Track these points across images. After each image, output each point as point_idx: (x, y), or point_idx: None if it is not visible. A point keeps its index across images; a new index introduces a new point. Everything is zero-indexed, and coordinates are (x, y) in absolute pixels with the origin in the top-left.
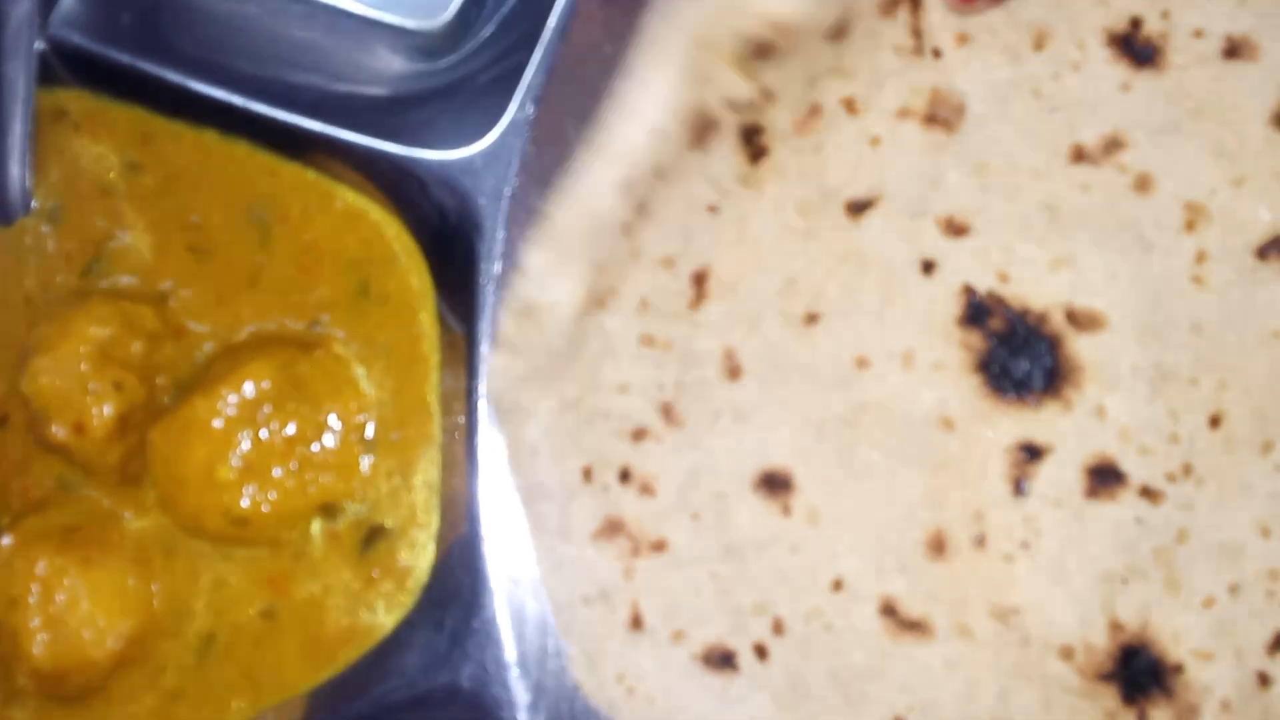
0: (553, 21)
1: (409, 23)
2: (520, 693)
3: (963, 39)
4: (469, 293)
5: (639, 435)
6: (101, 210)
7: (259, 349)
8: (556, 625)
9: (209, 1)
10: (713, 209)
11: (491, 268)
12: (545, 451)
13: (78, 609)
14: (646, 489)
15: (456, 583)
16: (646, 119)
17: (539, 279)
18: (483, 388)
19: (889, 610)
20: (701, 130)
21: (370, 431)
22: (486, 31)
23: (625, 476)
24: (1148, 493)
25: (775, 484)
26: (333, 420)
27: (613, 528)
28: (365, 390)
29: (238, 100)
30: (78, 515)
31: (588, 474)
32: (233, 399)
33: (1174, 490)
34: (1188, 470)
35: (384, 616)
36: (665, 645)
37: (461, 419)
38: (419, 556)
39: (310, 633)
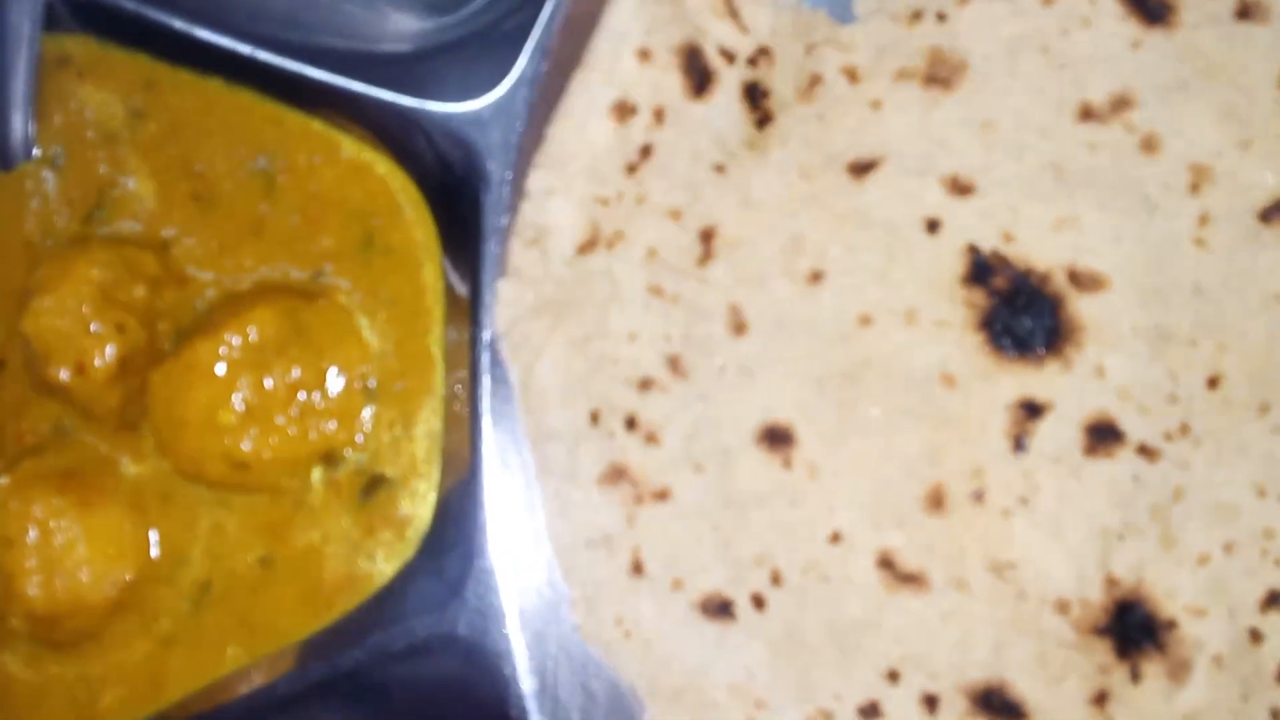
0: None
1: None
2: (518, 642)
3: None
4: (474, 246)
5: (646, 385)
6: (105, 157)
7: (262, 296)
8: (559, 567)
9: None
10: (719, 169)
11: (498, 220)
12: (554, 392)
13: (74, 552)
14: (652, 438)
15: (456, 532)
16: (633, 42)
17: (541, 200)
18: (486, 336)
19: (886, 563)
20: (699, 77)
21: (373, 382)
22: None
23: (631, 424)
24: (1145, 451)
25: (777, 438)
26: (335, 369)
27: (617, 474)
28: (368, 340)
29: (244, 48)
30: (75, 459)
31: (595, 418)
32: (235, 343)
33: (1171, 449)
34: (1185, 430)
35: (383, 565)
36: (664, 592)
37: (464, 372)
38: (419, 506)
39: (308, 581)
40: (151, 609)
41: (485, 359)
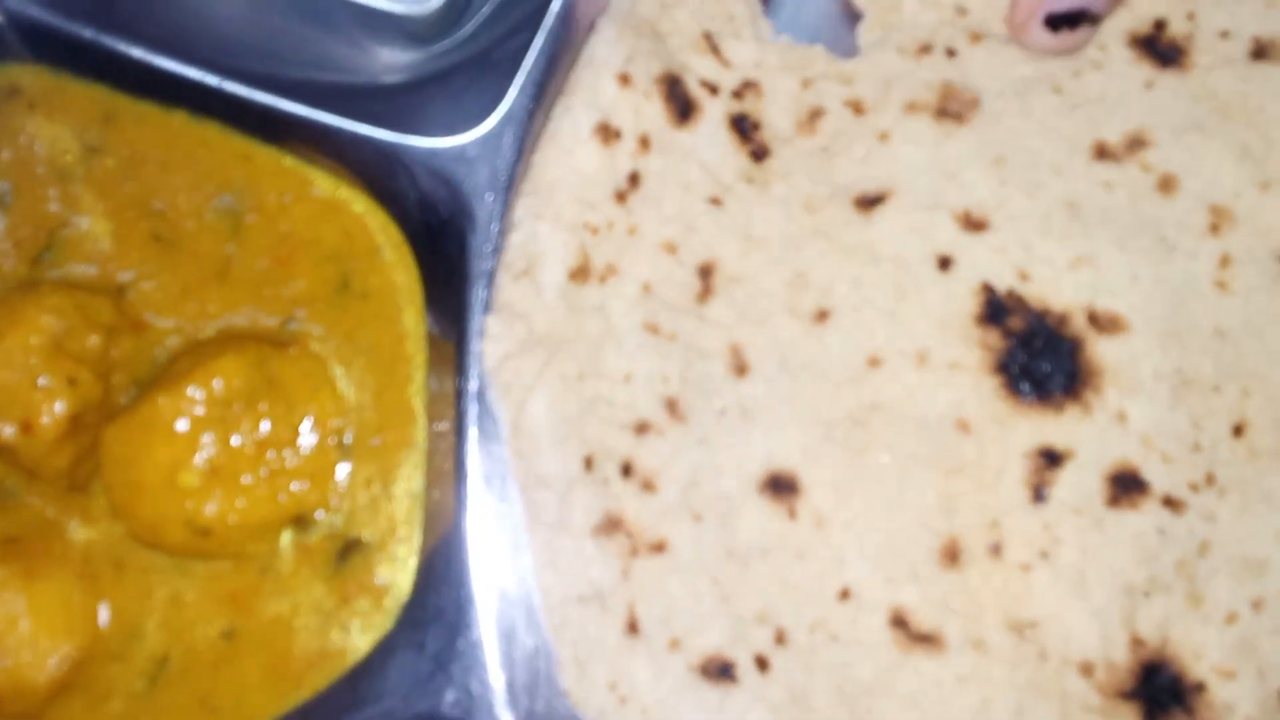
0: (555, 6)
1: (398, 8)
2: None
3: (976, 37)
4: (459, 289)
5: (642, 428)
6: (57, 194)
7: (228, 345)
8: (547, 624)
9: None
10: (715, 201)
11: (484, 263)
12: (546, 435)
13: (16, 628)
14: (648, 485)
15: (440, 601)
16: (613, 68)
17: (529, 227)
18: (473, 386)
19: (899, 621)
20: (681, 106)
21: (348, 436)
22: (480, 17)
23: (627, 471)
24: (1170, 502)
25: (781, 486)
26: (308, 424)
27: (612, 524)
28: (344, 392)
29: (211, 80)
30: (19, 524)
31: (589, 463)
32: (198, 396)
33: (1197, 500)
34: (1210, 480)
35: (359, 638)
36: (661, 653)
37: (448, 424)
38: (399, 572)
39: (276, 655)
40: (102, 689)
41: (472, 410)
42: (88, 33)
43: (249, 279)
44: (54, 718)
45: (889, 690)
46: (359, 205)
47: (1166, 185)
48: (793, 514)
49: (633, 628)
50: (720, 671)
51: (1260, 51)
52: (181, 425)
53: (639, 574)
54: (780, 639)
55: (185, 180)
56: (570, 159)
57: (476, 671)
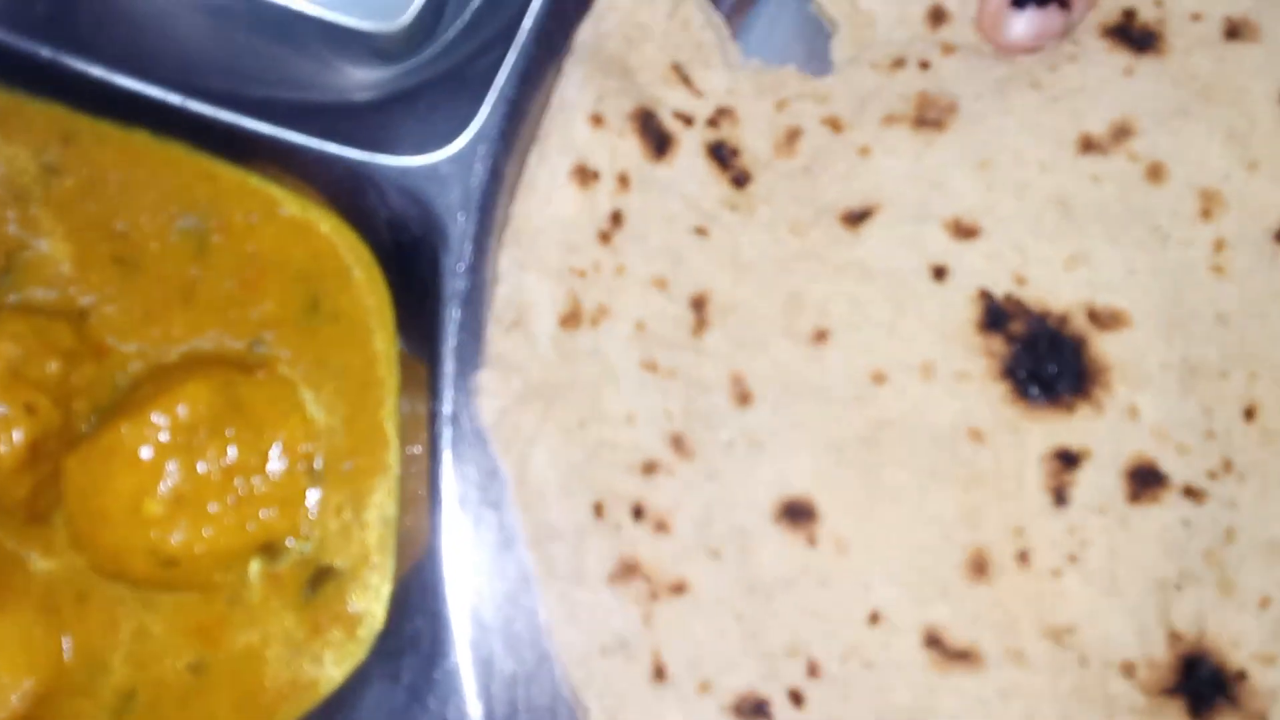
0: (528, 23)
1: (366, 25)
2: None
3: (949, 49)
4: (431, 310)
5: (650, 469)
6: (14, 217)
7: (193, 369)
8: (572, 679)
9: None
10: (700, 231)
11: (456, 284)
12: (552, 486)
13: None
14: (662, 526)
15: (415, 629)
16: (584, 109)
17: (514, 278)
18: (446, 409)
19: (933, 640)
20: (657, 140)
21: (319, 462)
22: (450, 34)
23: (638, 513)
24: (1191, 492)
25: (797, 514)
26: (276, 449)
27: (628, 570)
28: (313, 416)
29: (175, 99)
30: None
31: (599, 510)
32: (163, 423)
33: (1217, 488)
34: (1228, 466)
35: (332, 669)
36: (692, 697)
37: (420, 448)
38: (372, 601)
39: (246, 688)
40: None
41: (446, 433)
42: (45, 51)
43: (215, 301)
44: None
45: (930, 713)
46: (327, 225)
47: (1155, 173)
48: (812, 541)
49: (660, 674)
50: (754, 710)
51: (1233, 31)
52: (145, 453)
53: (661, 618)
54: (813, 671)
55: (148, 201)
56: (549, 205)
57: (454, 701)
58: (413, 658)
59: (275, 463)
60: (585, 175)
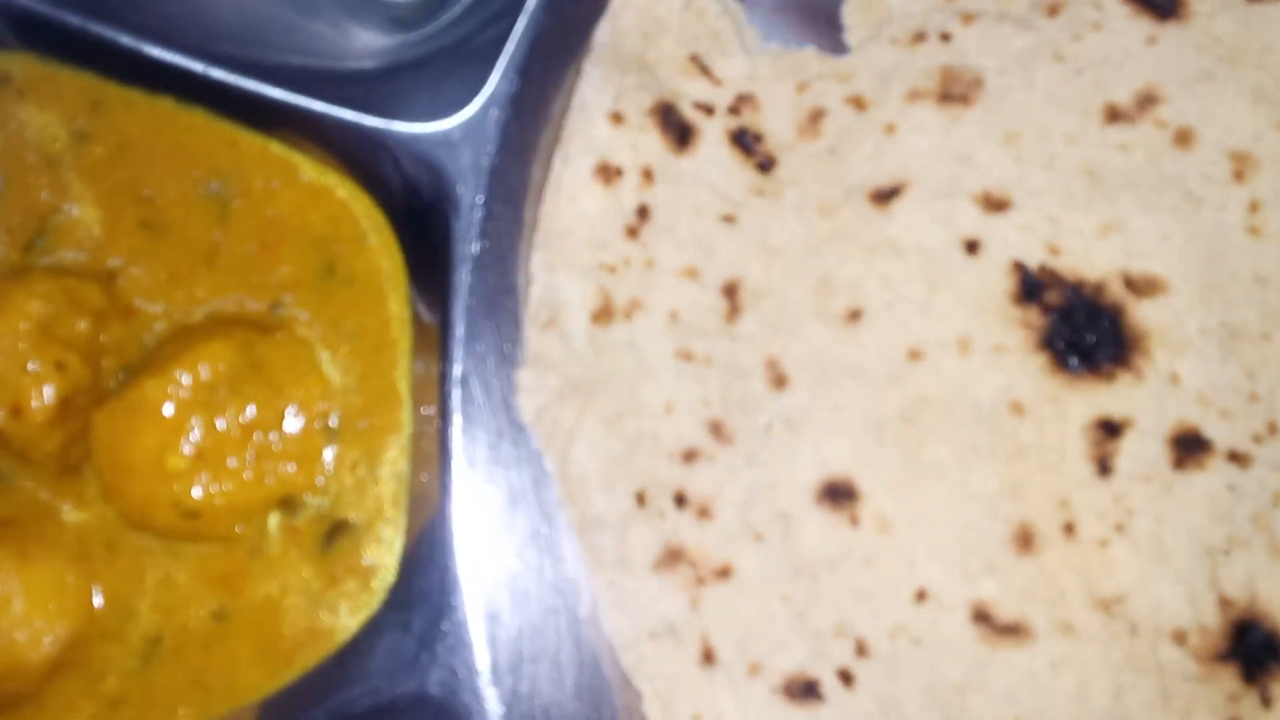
0: None
1: None
2: (492, 701)
3: (969, 18)
4: (443, 274)
5: (690, 456)
6: (46, 182)
7: (215, 330)
8: (624, 664)
9: None
10: (728, 219)
11: (468, 247)
12: (595, 478)
13: (10, 609)
14: (704, 512)
15: (426, 582)
16: (604, 108)
17: (546, 278)
18: (457, 370)
19: (982, 616)
20: (679, 132)
21: (334, 420)
22: (463, 3)
23: (681, 501)
24: (1236, 457)
25: (839, 494)
26: (293, 408)
27: (673, 556)
28: (330, 376)
29: (197, 67)
30: (12, 507)
31: (641, 499)
32: (186, 381)
33: (1261, 452)
34: (1273, 429)
35: (346, 618)
36: (742, 679)
37: (433, 408)
38: (385, 554)
39: (266, 635)
40: (97, 668)
41: (456, 395)
42: (75, 20)
43: (236, 264)
44: (50, 696)
45: (982, 687)
46: (344, 191)
47: (1183, 139)
48: (855, 521)
49: (709, 657)
50: (805, 690)
51: None
52: (168, 410)
53: (708, 602)
54: (861, 650)
55: (173, 167)
56: (575, 205)
57: (461, 652)
58: (423, 610)
59: (292, 420)
60: (609, 172)
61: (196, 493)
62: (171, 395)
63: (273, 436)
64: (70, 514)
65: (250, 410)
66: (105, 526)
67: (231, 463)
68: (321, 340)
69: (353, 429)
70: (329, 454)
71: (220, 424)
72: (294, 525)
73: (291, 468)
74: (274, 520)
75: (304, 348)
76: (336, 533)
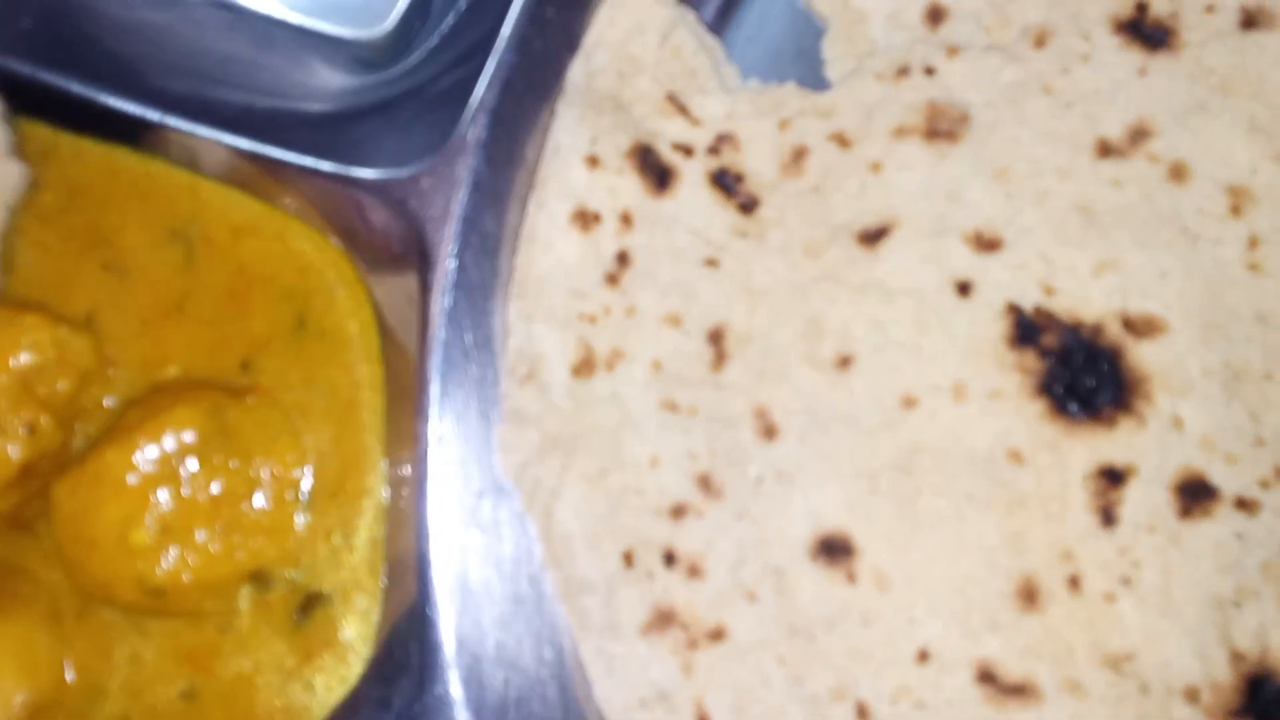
0: (506, 30)
1: (346, 32)
2: None
3: (953, 51)
4: (417, 327)
5: (678, 512)
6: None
7: (183, 393)
8: None
9: (118, 9)
10: (711, 262)
11: (442, 299)
12: (579, 538)
13: None
14: (695, 571)
15: (406, 654)
16: (579, 151)
17: (523, 330)
18: (433, 430)
19: (986, 676)
20: (658, 175)
21: (307, 487)
22: (431, 42)
23: (670, 559)
24: (1243, 504)
25: (834, 549)
26: (265, 476)
27: (664, 619)
28: (302, 441)
29: (153, 115)
30: None
31: (629, 559)
32: (151, 452)
33: (1269, 497)
34: None
35: (323, 694)
36: None
37: (408, 469)
38: (362, 625)
39: (238, 715)
40: None
41: (434, 454)
42: (24, 69)
43: (206, 314)
44: None
45: None
46: (310, 242)
47: (1178, 173)
48: (852, 577)
49: None
50: None
51: (1250, 20)
52: (132, 481)
53: (701, 667)
54: (863, 713)
55: (132, 213)
56: (552, 253)
57: None
58: (404, 682)
59: (264, 490)
60: (586, 218)
61: (161, 570)
62: (135, 465)
63: (243, 507)
64: (41, 572)
65: (219, 481)
66: (73, 593)
67: (199, 536)
68: (295, 402)
69: (326, 495)
70: (301, 522)
71: (187, 495)
72: (266, 599)
73: (263, 540)
74: (245, 595)
75: (275, 412)
76: (311, 605)
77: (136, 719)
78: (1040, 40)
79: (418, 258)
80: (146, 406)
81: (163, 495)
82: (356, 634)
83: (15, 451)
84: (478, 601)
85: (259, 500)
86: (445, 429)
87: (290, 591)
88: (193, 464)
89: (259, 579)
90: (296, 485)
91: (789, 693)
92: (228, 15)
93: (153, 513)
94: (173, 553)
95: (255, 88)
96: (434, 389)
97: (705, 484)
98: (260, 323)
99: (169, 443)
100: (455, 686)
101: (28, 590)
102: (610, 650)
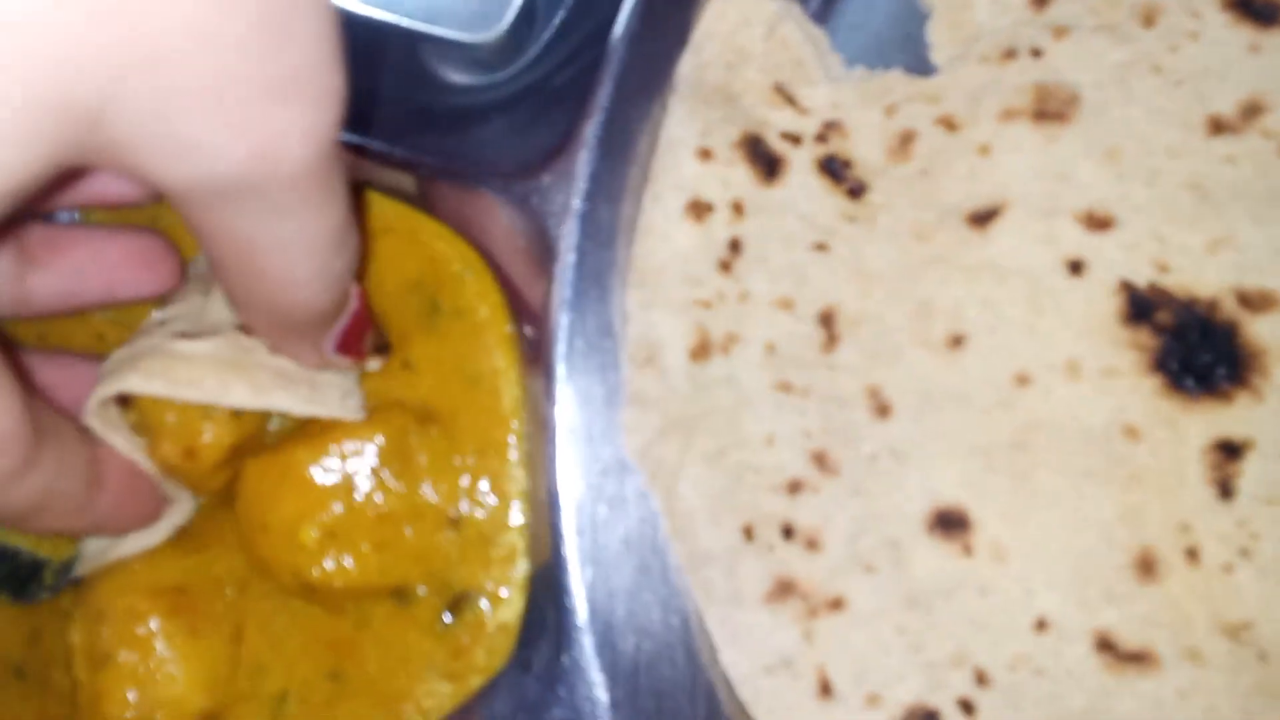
0: (619, 28)
1: (464, 36)
2: None
3: (1060, 32)
4: (541, 318)
5: (795, 488)
6: None
7: (375, 412)
8: (742, 698)
9: None
10: (821, 247)
11: (564, 290)
12: (701, 513)
13: (167, 684)
14: (813, 544)
15: (543, 619)
16: (691, 145)
17: (642, 317)
18: (560, 416)
19: (1105, 645)
20: (767, 164)
21: (462, 508)
22: (542, 41)
23: (788, 533)
24: None
25: (950, 523)
26: (426, 501)
27: (784, 589)
28: (460, 468)
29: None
30: (190, 573)
31: (749, 533)
32: (334, 461)
33: None
34: None
35: (472, 679)
36: (860, 711)
37: (541, 450)
38: (509, 615)
39: (383, 697)
40: None
41: (560, 436)
42: None
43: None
44: None
45: (1106, 715)
46: (440, 235)
47: None
48: (968, 550)
49: (826, 690)
50: None
51: None
52: (314, 481)
53: (822, 634)
54: (981, 680)
55: None
56: (668, 243)
57: (581, 688)
58: (542, 646)
59: (422, 518)
60: (699, 209)
61: (316, 571)
62: (320, 469)
63: (403, 530)
64: (233, 585)
65: (386, 501)
66: (249, 574)
67: (357, 549)
68: (439, 386)
69: (475, 504)
70: (451, 538)
71: (356, 508)
72: (413, 606)
73: (410, 564)
74: (384, 606)
75: (451, 444)
76: (459, 605)
77: (294, 694)
78: (1149, 19)
79: (540, 250)
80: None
81: (336, 504)
82: (504, 622)
83: (227, 434)
84: (607, 572)
85: (417, 526)
86: (571, 412)
87: (437, 595)
88: (368, 480)
89: (400, 594)
90: (451, 516)
91: (909, 659)
92: (352, 21)
93: (324, 517)
94: (330, 558)
95: (382, 94)
96: (560, 374)
97: (821, 461)
98: (403, 317)
99: (353, 456)
100: (589, 650)
101: (220, 609)
102: (734, 619)
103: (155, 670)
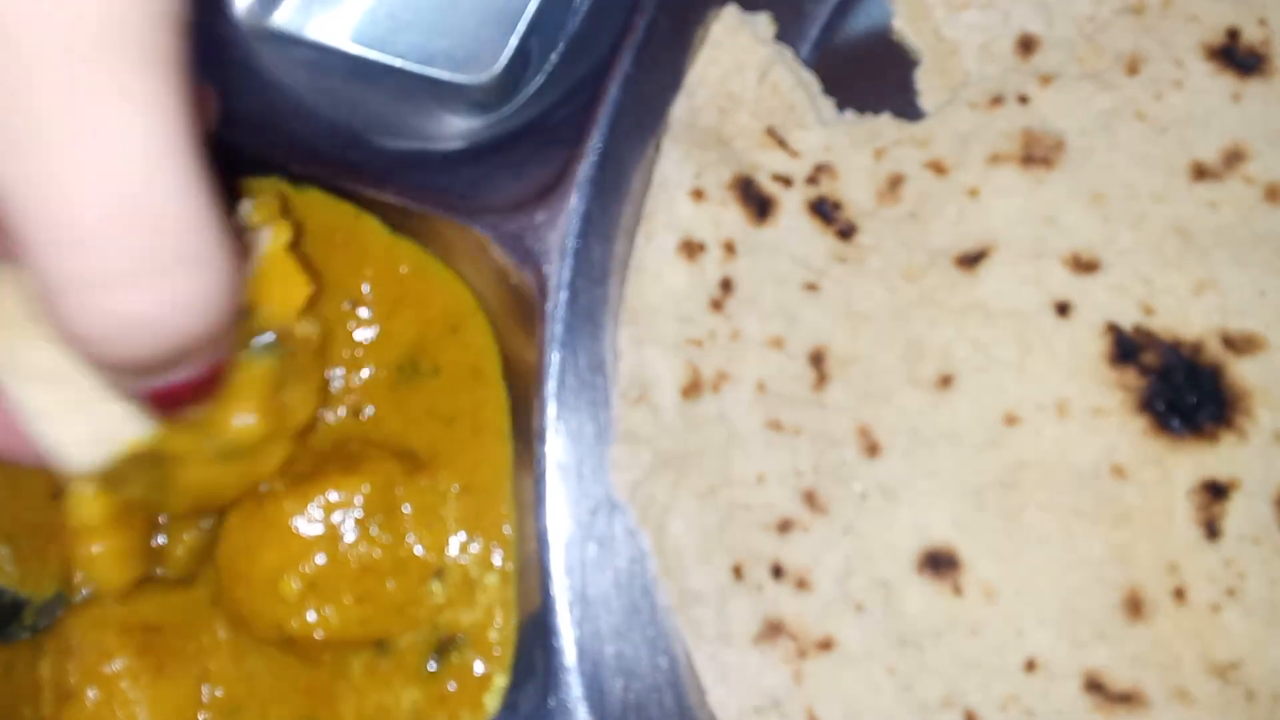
0: (615, 71)
1: (460, 78)
2: None
3: (1046, 80)
4: (533, 356)
5: (785, 527)
6: None
7: (362, 460)
8: None
9: (254, 61)
10: (811, 287)
11: (556, 327)
12: (691, 552)
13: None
14: (802, 584)
15: (531, 661)
16: (685, 186)
17: (634, 355)
18: (551, 452)
19: (1094, 685)
20: (759, 205)
21: (451, 553)
22: (537, 83)
23: (778, 572)
24: None
25: (940, 562)
26: (412, 554)
27: (773, 629)
28: (447, 517)
29: (296, 169)
30: (164, 612)
31: (738, 572)
32: (318, 511)
33: None
34: None
35: None
36: None
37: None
38: (494, 663)
39: None
40: None
41: (550, 473)
42: None
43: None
44: None
45: None
46: (440, 275)
47: (1274, 194)
48: (958, 590)
49: None
50: None
51: None
52: (298, 534)
53: (811, 675)
54: None
55: None
56: (660, 282)
57: None
58: (530, 689)
59: (406, 572)
60: (692, 248)
61: (297, 623)
62: (304, 521)
63: (386, 584)
64: (208, 629)
65: (370, 553)
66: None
67: (345, 599)
68: (429, 436)
69: (462, 558)
70: (437, 587)
71: (339, 560)
72: (395, 657)
73: (393, 618)
74: (361, 657)
75: (438, 497)
76: (445, 649)
77: None
78: (1133, 68)
79: (532, 289)
80: (330, 461)
81: (319, 556)
82: (490, 670)
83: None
84: (596, 612)
85: (401, 580)
86: (562, 449)
87: (423, 641)
88: (352, 532)
89: (381, 646)
90: (437, 569)
91: (899, 700)
92: (350, 64)
93: (306, 569)
94: (312, 610)
95: (377, 130)
96: (550, 412)
97: (811, 500)
98: (390, 365)
99: (338, 507)
100: (578, 692)
101: (192, 649)
102: (723, 659)
103: (118, 709)
